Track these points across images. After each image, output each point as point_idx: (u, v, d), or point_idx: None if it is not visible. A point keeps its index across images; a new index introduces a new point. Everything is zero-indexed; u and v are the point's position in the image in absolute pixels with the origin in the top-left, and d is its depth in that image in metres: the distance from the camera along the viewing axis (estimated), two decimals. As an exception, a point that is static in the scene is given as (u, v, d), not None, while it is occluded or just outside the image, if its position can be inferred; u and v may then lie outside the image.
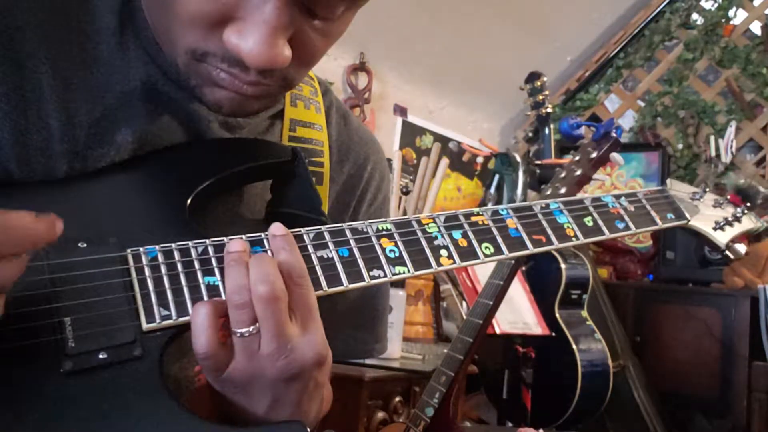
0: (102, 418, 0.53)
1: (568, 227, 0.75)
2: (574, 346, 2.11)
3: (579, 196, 0.80)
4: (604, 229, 0.77)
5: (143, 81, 0.65)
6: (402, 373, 1.78)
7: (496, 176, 2.43)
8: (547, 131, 2.56)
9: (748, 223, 0.91)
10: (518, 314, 1.91)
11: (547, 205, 0.75)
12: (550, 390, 2.07)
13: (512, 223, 0.72)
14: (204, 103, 0.64)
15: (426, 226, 0.68)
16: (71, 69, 0.63)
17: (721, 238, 0.87)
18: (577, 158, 1.40)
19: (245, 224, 0.70)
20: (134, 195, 0.63)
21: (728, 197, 0.93)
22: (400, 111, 3.23)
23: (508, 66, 3.10)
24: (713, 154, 3.23)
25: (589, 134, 1.43)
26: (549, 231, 0.73)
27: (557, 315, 2.16)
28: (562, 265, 2.21)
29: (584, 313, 2.26)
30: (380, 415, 1.70)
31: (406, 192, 2.41)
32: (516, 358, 1.97)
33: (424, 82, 3.25)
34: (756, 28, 3.28)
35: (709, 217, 0.88)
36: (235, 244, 0.58)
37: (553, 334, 2.05)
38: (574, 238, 0.74)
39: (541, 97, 2.53)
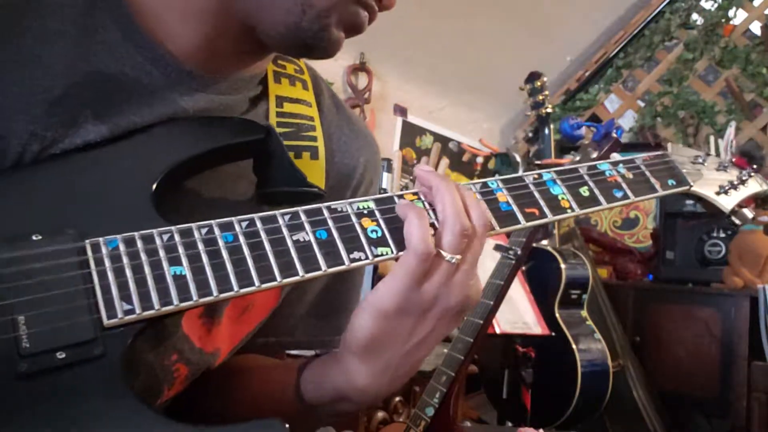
0: (62, 423, 0.49)
1: (563, 198, 0.69)
2: (573, 346, 2.11)
3: (570, 165, 0.75)
4: (601, 198, 0.71)
5: (113, 63, 0.62)
6: (402, 372, 1.78)
7: (496, 176, 2.43)
8: (547, 131, 2.57)
9: (755, 185, 0.85)
10: (518, 314, 1.91)
11: (540, 176, 0.70)
12: (549, 390, 2.06)
13: (503, 196, 0.67)
14: (317, 45, 0.64)
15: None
16: (27, 43, 0.59)
17: (726, 203, 0.82)
18: (578, 158, 1.41)
19: (229, 206, 0.66)
20: (95, 182, 0.58)
21: (733, 160, 0.88)
22: (400, 111, 3.23)
23: (508, 66, 3.09)
24: (713, 154, 3.23)
25: (589, 135, 1.43)
26: (542, 203, 0.68)
27: (557, 315, 2.16)
28: (562, 265, 2.21)
29: (584, 312, 2.26)
30: (380, 415, 1.70)
31: (406, 192, 2.41)
32: (516, 358, 1.97)
33: (424, 82, 3.25)
34: (756, 28, 3.28)
35: (713, 182, 0.83)
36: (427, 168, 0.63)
37: (553, 333, 2.05)
38: (569, 210, 0.69)
39: (541, 97, 2.54)
